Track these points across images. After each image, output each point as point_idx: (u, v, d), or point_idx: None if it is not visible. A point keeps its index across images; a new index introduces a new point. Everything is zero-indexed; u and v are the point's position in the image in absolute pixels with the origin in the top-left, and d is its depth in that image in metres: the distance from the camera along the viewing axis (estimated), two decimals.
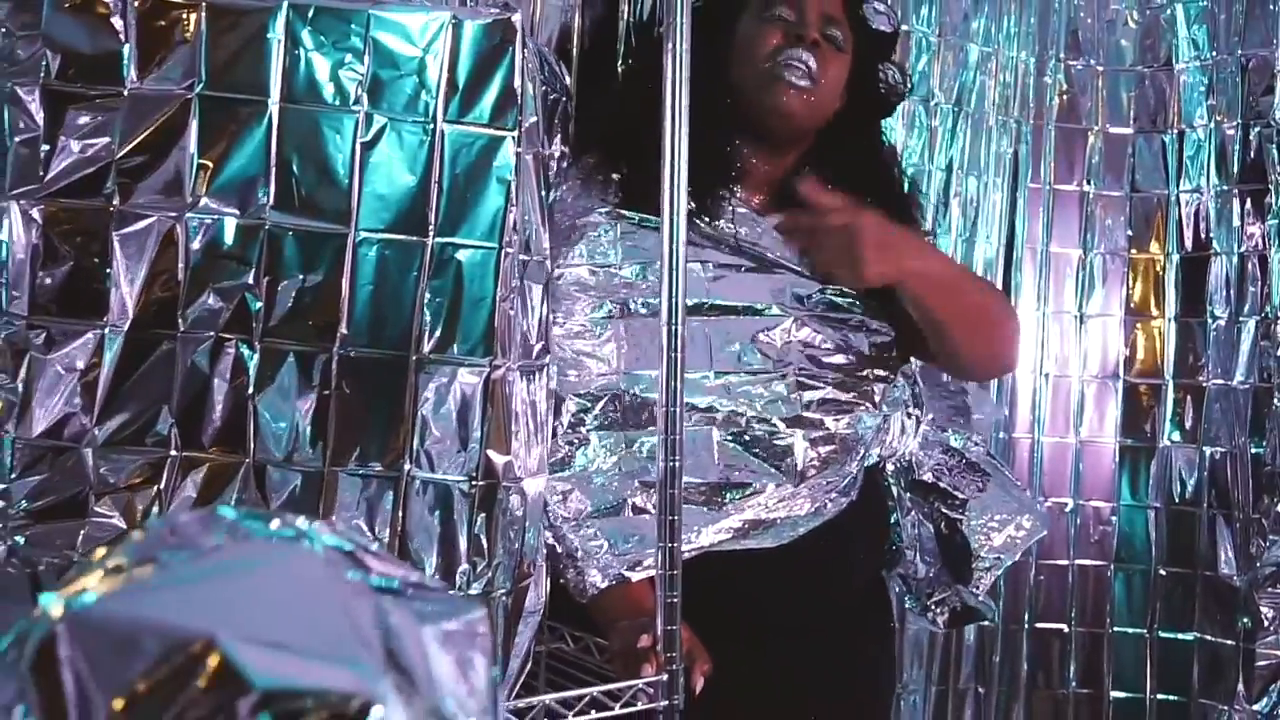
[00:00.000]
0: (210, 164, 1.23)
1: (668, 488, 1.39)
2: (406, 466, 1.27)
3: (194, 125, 1.22)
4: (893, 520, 1.84)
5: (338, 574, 0.58)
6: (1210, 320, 2.31)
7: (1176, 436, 2.36)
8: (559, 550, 1.59)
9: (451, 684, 0.59)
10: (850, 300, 1.73)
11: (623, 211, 1.69)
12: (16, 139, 1.23)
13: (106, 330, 1.23)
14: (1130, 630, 2.39)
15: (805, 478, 1.64)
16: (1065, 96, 2.45)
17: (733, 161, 1.72)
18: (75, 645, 0.54)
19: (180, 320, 1.24)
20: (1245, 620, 2.23)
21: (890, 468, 1.83)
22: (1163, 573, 2.37)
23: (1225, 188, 2.29)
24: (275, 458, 1.25)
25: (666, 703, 1.39)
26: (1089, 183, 2.44)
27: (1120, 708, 2.39)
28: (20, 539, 1.25)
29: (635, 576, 1.59)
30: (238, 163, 1.23)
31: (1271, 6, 2.24)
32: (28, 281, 1.23)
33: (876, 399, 1.70)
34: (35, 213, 1.23)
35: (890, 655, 1.98)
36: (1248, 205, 2.25)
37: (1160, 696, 2.36)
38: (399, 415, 1.26)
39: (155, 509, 1.24)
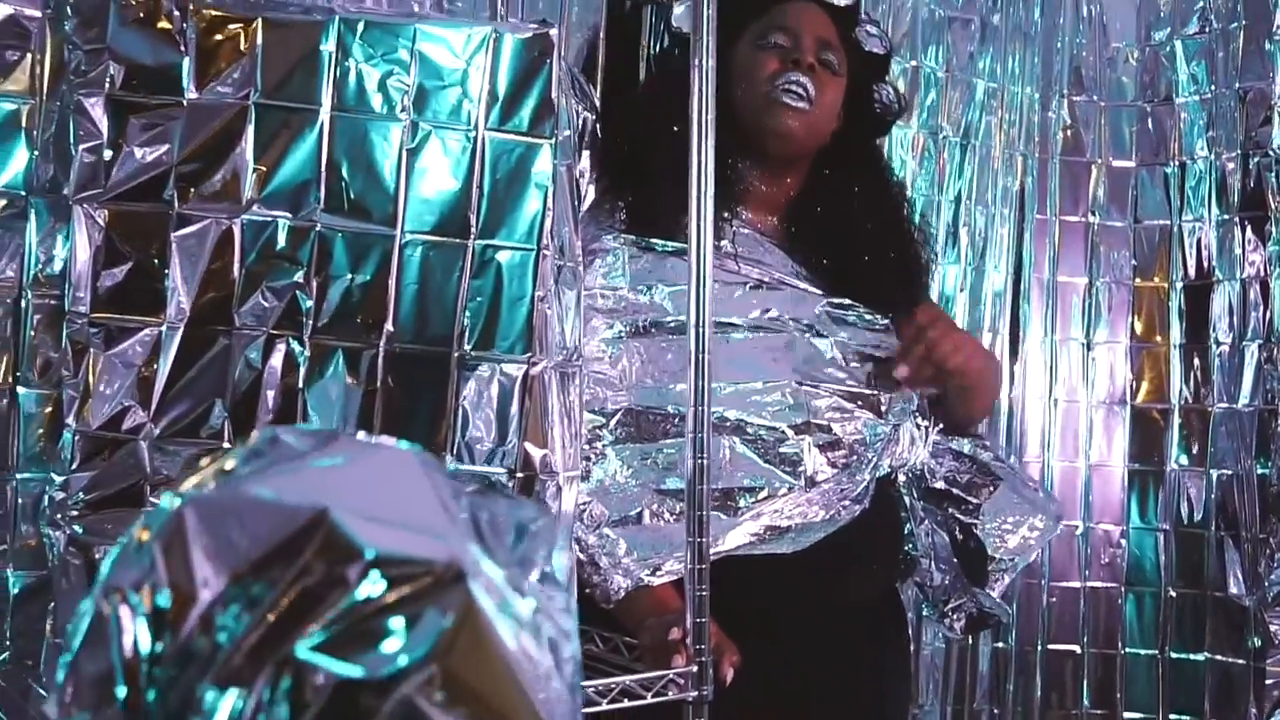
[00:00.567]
0: (264, 169, 1.30)
1: (696, 484, 1.44)
2: (448, 459, 1.32)
3: (250, 132, 1.29)
4: (906, 530, 1.89)
5: (428, 467, 0.64)
6: (1214, 346, 2.37)
7: (1184, 460, 2.42)
8: (582, 559, 1.64)
9: (529, 566, 0.64)
10: (856, 314, 1.79)
11: (630, 236, 1.75)
12: (81, 146, 1.30)
13: (164, 328, 1.30)
14: (1142, 651, 2.43)
15: (816, 483, 1.69)
16: (1069, 131, 2.53)
17: (734, 183, 1.78)
18: (198, 523, 0.60)
19: (235, 317, 1.30)
20: (1255, 640, 2.27)
21: (902, 479, 1.88)
22: (1173, 594, 2.41)
23: (1226, 216, 2.36)
24: None
25: (697, 693, 1.43)
26: (1094, 214, 2.52)
27: None
28: (79, 528, 1.30)
29: (657, 581, 1.64)
30: (290, 168, 1.30)
31: (1267, 45, 2.32)
32: (90, 281, 1.30)
33: (882, 407, 1.75)
34: (98, 216, 1.29)
35: (905, 667, 2.01)
36: (1249, 233, 2.31)
37: (1173, 717, 2.40)
38: (441, 410, 1.32)
39: None
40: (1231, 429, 2.34)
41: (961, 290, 2.42)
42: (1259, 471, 2.27)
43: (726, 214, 1.77)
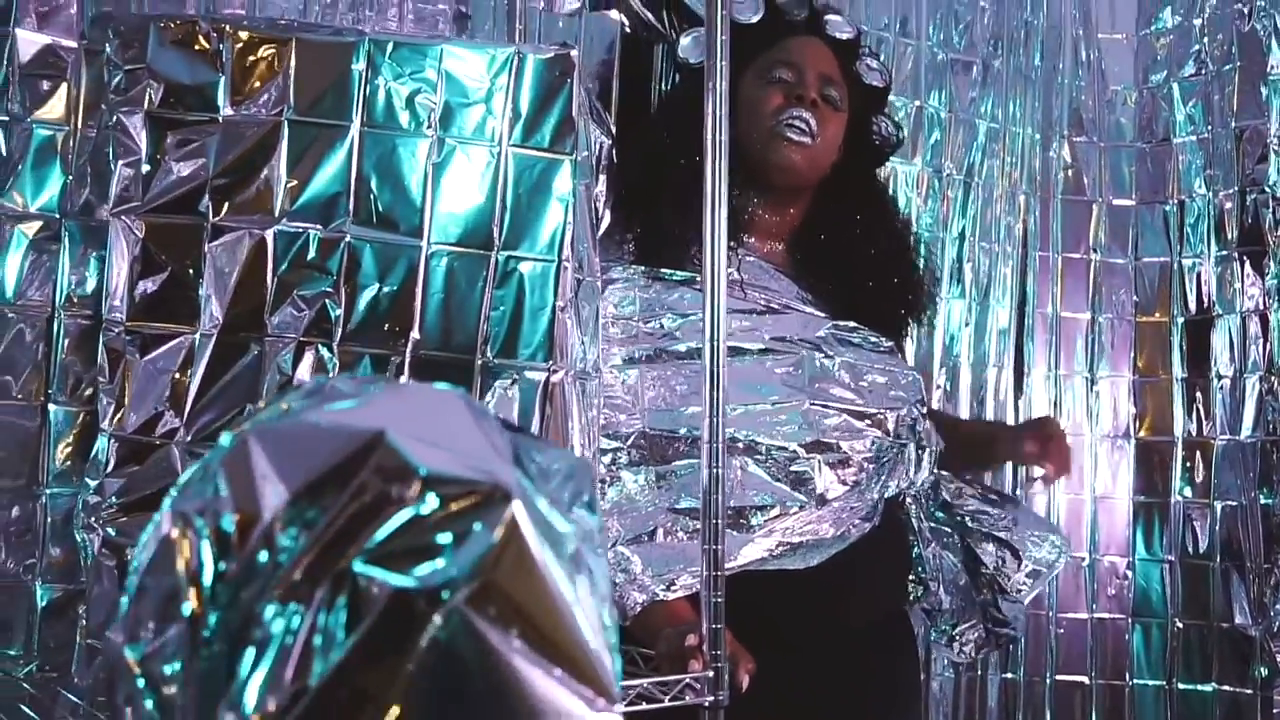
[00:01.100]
0: (297, 182, 1.35)
1: (712, 493, 1.48)
2: None
3: (283, 148, 1.35)
4: (915, 554, 1.92)
5: (472, 405, 0.68)
6: (1216, 379, 2.42)
7: (1188, 492, 2.45)
8: None
9: (567, 500, 0.68)
10: (861, 336, 1.83)
11: (639, 267, 1.80)
12: (121, 161, 1.35)
13: (198, 335, 1.34)
14: (1150, 682, 2.45)
15: (827, 501, 1.73)
16: (1070, 171, 2.59)
17: (739, 213, 1.82)
18: (262, 449, 0.64)
19: (266, 325, 1.34)
20: (1262, 669, 2.29)
21: (911, 503, 1.91)
22: (1180, 625, 2.43)
23: (1225, 252, 2.41)
24: None
25: (713, 698, 1.46)
26: (1095, 252, 2.57)
27: None
28: (112, 530, 1.34)
29: (672, 595, 1.67)
30: (321, 181, 1.35)
31: (1261, 86, 2.38)
32: (126, 291, 1.35)
33: (890, 426, 1.79)
34: (136, 228, 1.34)
35: (915, 687, 2.02)
36: (1247, 268, 2.37)
37: None
38: None
39: None
40: (1235, 461, 2.38)
41: (967, 325, 2.47)
42: (1263, 502, 2.31)
43: (733, 243, 1.81)
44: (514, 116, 1.39)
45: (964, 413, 2.46)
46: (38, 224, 1.52)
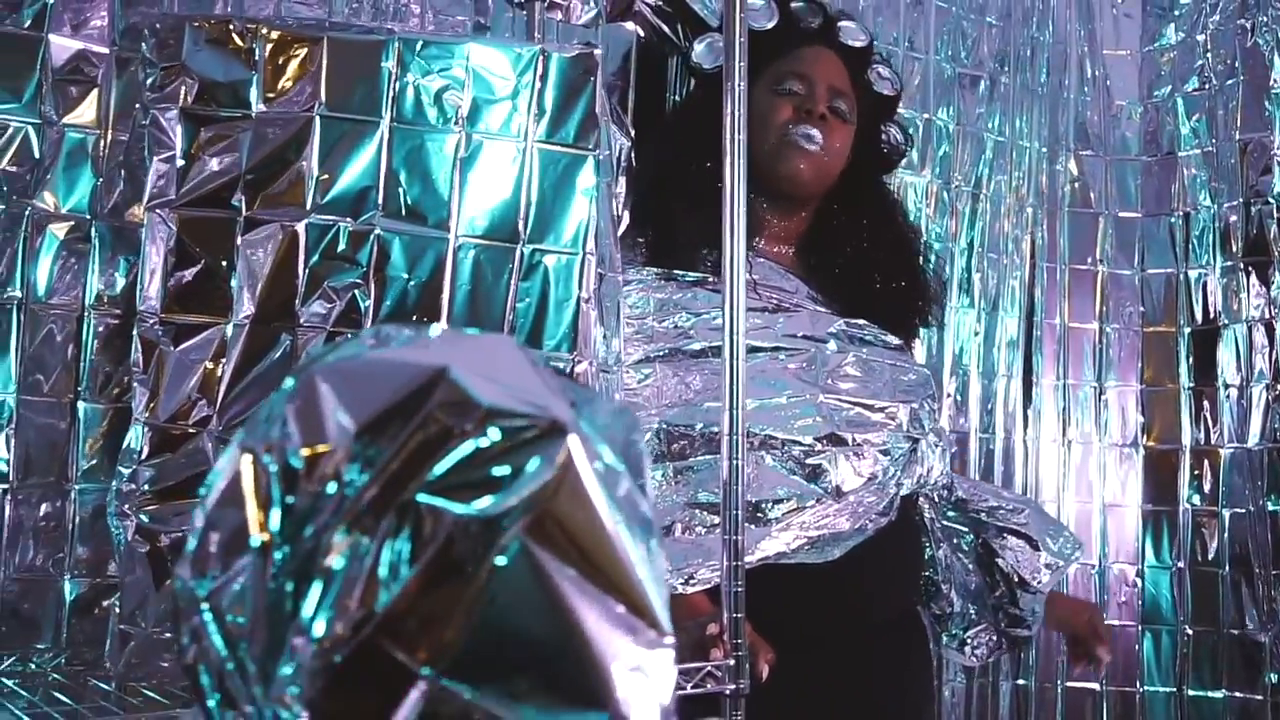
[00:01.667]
0: (327, 176, 1.38)
1: (732, 484, 1.50)
2: None
3: (314, 142, 1.37)
4: (927, 555, 1.95)
5: (524, 350, 0.71)
6: (1223, 388, 2.44)
7: (1196, 500, 2.48)
8: None
9: (617, 441, 0.71)
10: (872, 334, 1.86)
11: (653, 269, 1.83)
12: (156, 157, 1.38)
13: (230, 326, 1.37)
14: (1161, 689, 2.46)
15: (843, 493, 1.75)
16: (1076, 184, 2.62)
17: (749, 216, 1.86)
18: (328, 385, 0.66)
19: (297, 315, 1.37)
20: (1272, 675, 2.31)
21: (924, 503, 1.94)
22: (1190, 632, 2.45)
23: (1230, 263, 2.45)
24: None
25: (735, 686, 1.47)
26: (1102, 263, 2.60)
27: None
28: (145, 517, 1.36)
29: (691, 589, 1.69)
30: (352, 176, 1.38)
31: (1265, 99, 2.42)
32: (161, 283, 1.37)
33: (903, 419, 1.82)
34: (170, 221, 1.37)
35: (928, 684, 2.03)
36: (1253, 278, 2.40)
37: None
38: None
39: None
40: (1242, 469, 2.40)
41: (976, 335, 2.50)
42: (1271, 509, 2.33)
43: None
44: (539, 113, 1.42)
45: (974, 422, 2.48)
46: (68, 225, 1.56)
